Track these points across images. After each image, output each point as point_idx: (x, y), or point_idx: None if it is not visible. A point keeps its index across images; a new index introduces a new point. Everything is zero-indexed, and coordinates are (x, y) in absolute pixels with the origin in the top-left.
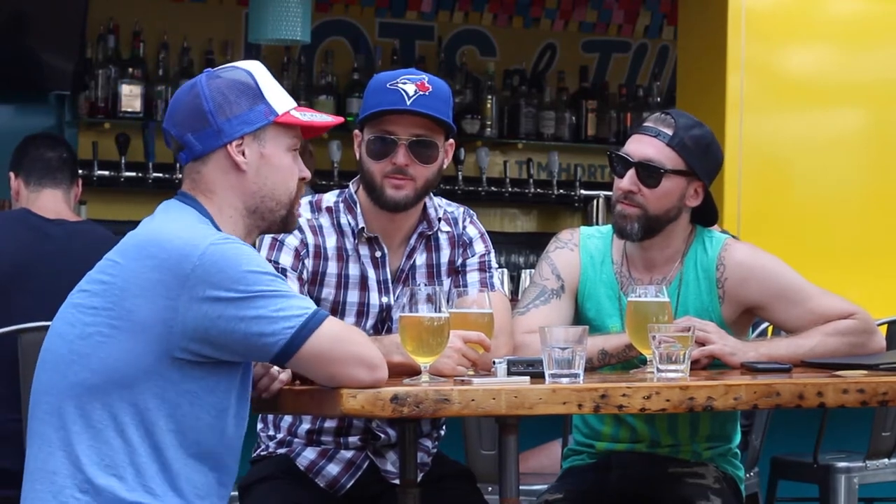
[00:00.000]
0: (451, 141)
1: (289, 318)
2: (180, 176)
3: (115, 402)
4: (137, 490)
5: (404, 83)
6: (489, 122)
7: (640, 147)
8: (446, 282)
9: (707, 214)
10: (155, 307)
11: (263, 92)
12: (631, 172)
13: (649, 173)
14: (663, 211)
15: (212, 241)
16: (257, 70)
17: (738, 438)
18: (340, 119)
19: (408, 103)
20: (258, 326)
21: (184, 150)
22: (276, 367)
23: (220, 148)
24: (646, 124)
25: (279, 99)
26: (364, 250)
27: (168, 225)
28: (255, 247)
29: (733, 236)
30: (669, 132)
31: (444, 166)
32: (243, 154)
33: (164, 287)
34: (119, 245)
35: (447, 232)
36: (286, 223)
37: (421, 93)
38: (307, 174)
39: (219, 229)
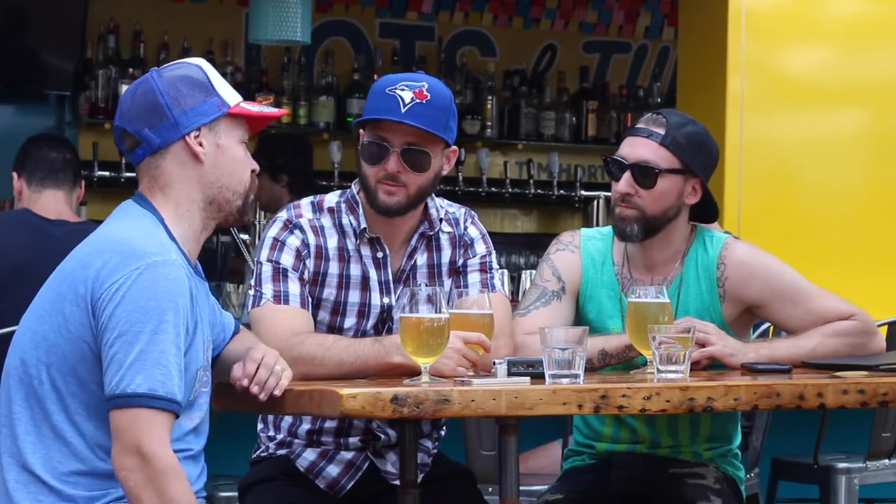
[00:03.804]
0: (454, 148)
1: (123, 378)
2: None
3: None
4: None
5: (402, 90)
6: (489, 123)
7: (633, 149)
8: (447, 282)
9: (708, 210)
10: (83, 313)
11: (214, 85)
12: (626, 175)
13: (644, 174)
14: (662, 211)
15: (137, 266)
16: (206, 65)
17: (738, 439)
18: (283, 112)
19: (402, 112)
20: (110, 363)
21: (140, 146)
22: (279, 366)
23: (178, 140)
24: (638, 126)
25: (228, 93)
26: (366, 251)
27: (120, 234)
28: (251, 245)
29: (734, 236)
30: (661, 132)
31: (444, 173)
32: (201, 145)
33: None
34: (75, 252)
35: (448, 232)
36: (242, 214)
37: (417, 101)
38: (256, 166)
39: (172, 236)
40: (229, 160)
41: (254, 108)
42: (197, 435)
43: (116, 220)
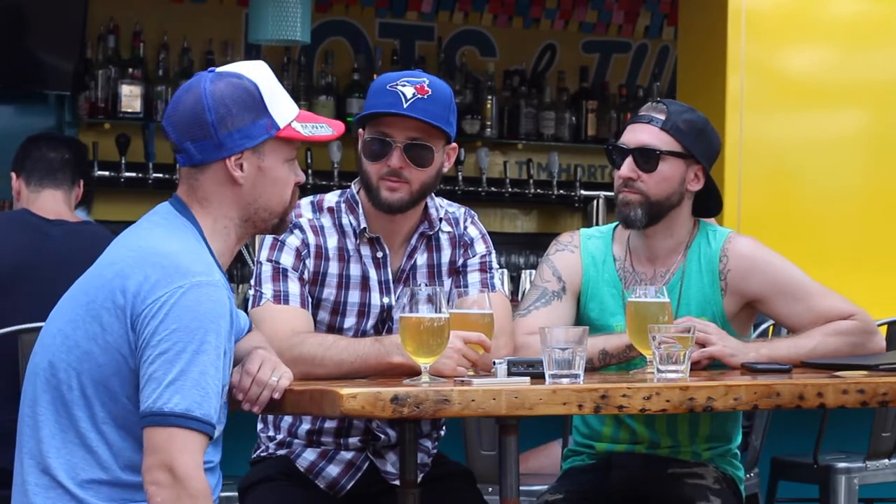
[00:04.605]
0: (454, 145)
1: (161, 397)
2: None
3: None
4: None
5: (403, 85)
6: (489, 123)
7: (634, 135)
8: (447, 282)
9: (711, 203)
10: (122, 325)
11: (267, 104)
12: (629, 160)
13: (646, 158)
14: (665, 195)
15: (181, 284)
16: (262, 78)
17: (738, 439)
18: (341, 130)
19: (404, 106)
20: (148, 380)
21: (181, 154)
22: (274, 377)
23: (218, 160)
24: (639, 113)
25: (282, 109)
26: (366, 250)
27: (162, 246)
28: (251, 245)
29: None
30: (662, 117)
31: (445, 170)
32: (241, 168)
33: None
34: (112, 256)
35: (448, 232)
36: (278, 228)
37: (419, 96)
38: (302, 178)
39: (210, 249)
40: (269, 182)
41: (305, 129)
42: (215, 447)
43: (155, 227)
